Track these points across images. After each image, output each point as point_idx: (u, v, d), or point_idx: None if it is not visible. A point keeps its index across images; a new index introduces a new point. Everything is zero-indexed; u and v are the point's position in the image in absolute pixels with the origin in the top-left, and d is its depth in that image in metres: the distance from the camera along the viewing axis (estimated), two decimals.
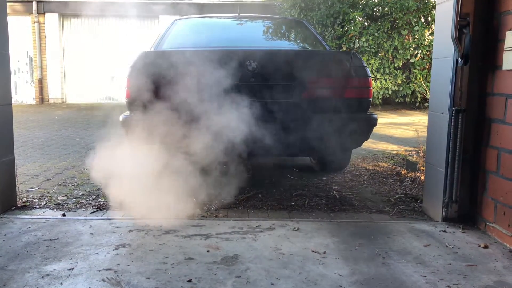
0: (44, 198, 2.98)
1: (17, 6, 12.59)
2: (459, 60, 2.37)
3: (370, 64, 9.53)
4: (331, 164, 3.86)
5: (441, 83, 2.54)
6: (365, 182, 3.53)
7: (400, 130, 6.93)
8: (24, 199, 2.89)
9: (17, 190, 2.82)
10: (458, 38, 2.33)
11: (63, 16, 13.15)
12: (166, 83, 2.76)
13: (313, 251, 2.05)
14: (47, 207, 2.77)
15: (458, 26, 2.32)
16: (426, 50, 9.65)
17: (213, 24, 4.21)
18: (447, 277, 1.81)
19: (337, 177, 3.69)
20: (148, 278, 1.76)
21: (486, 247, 2.14)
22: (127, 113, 2.99)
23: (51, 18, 12.92)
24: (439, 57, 2.60)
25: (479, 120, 2.42)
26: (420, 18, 9.75)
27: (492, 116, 2.32)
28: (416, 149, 4.61)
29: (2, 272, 1.80)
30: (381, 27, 9.65)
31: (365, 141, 3.21)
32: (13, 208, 2.72)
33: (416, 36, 9.73)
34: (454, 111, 2.41)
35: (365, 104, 3.02)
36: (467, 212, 2.49)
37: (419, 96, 9.75)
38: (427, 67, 9.77)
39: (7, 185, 2.69)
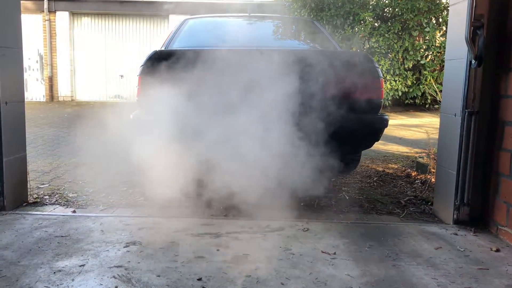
0: (55, 194, 3.00)
1: (29, 4, 12.71)
2: (473, 61, 2.34)
3: (380, 65, 9.47)
4: (340, 165, 3.84)
5: (454, 84, 2.51)
6: (374, 183, 3.51)
7: (410, 132, 6.88)
8: (35, 196, 2.91)
9: (28, 186, 2.85)
10: (471, 40, 2.31)
11: (73, 14, 13.25)
12: (177, 82, 2.76)
13: (323, 252, 2.05)
14: (58, 204, 2.79)
15: (472, 28, 2.30)
16: (437, 52, 9.57)
17: (223, 24, 4.21)
18: (458, 280, 1.80)
19: (346, 178, 3.67)
20: (159, 276, 1.76)
21: (498, 250, 2.12)
22: (138, 111, 3.00)
23: (61, 17, 13.04)
24: (452, 59, 2.58)
25: (492, 122, 2.40)
26: (431, 19, 9.68)
27: (506, 118, 2.29)
28: (426, 151, 4.57)
29: (14, 267, 1.82)
30: (392, 28, 9.59)
31: (375, 143, 3.19)
32: (24, 204, 2.75)
33: (426, 37, 9.65)
34: (466, 113, 2.38)
35: (376, 105, 3.00)
36: (478, 215, 2.47)
37: (429, 97, 9.67)
38: (437, 68, 9.69)
39: (19, 181, 2.72)
